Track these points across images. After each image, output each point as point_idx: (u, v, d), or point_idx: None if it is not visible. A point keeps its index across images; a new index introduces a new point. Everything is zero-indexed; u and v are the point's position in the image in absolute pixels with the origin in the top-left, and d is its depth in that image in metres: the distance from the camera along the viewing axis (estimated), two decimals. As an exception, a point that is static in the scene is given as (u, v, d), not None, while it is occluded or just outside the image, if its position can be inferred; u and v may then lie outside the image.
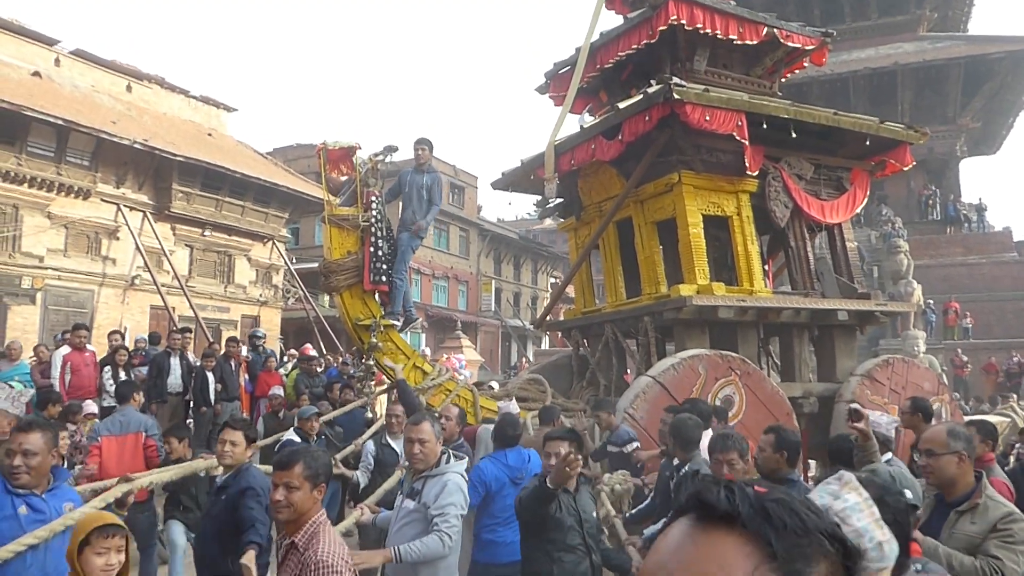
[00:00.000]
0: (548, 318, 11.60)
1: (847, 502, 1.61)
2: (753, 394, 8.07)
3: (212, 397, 9.78)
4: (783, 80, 10.74)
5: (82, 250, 21.51)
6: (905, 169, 10.11)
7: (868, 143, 9.55)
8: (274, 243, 27.28)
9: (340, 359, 15.93)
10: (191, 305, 22.02)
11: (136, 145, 21.23)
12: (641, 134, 8.43)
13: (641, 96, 8.34)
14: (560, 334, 11.38)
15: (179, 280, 22.35)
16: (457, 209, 36.66)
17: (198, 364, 9.99)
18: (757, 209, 9.30)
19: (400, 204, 8.33)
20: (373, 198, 7.83)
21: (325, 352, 23.76)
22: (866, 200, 9.96)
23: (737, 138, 8.33)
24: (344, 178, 8.38)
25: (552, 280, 43.86)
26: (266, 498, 3.97)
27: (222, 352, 10.59)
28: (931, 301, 23.74)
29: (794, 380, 9.40)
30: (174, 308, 22.35)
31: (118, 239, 22.15)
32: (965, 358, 21.52)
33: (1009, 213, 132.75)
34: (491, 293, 37.19)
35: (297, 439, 6.98)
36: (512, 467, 5.45)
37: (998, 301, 24.69)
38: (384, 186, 8.19)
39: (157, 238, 22.52)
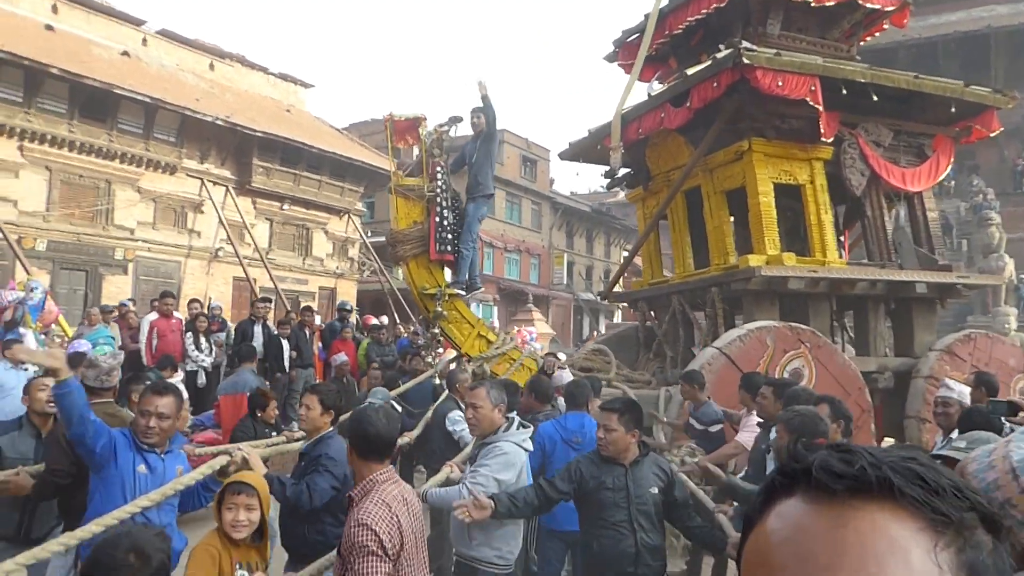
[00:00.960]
0: (617, 289, 11.55)
1: None
2: (824, 367, 7.89)
3: (287, 363, 10.12)
4: (863, 43, 10.33)
5: (169, 223, 22.45)
6: (992, 135, 9.60)
7: (952, 108, 9.12)
8: (350, 217, 27.87)
9: (411, 328, 16.21)
10: (271, 277, 22.73)
11: (218, 122, 21.97)
12: (710, 101, 8.25)
13: (710, 61, 8.17)
14: (632, 308, 11.29)
15: (259, 252, 23.09)
16: (529, 182, 36.60)
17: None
18: (831, 177, 9.02)
19: (466, 175, 8.38)
20: (438, 168, 7.91)
21: (398, 322, 24.27)
22: (950, 168, 9.53)
23: (811, 103, 8.07)
24: (413, 150, 8.51)
25: (624, 253, 43.44)
26: (341, 469, 4.06)
27: (297, 320, 10.93)
28: (1025, 276, 22.63)
29: (868, 354, 9.14)
30: (255, 279, 23.14)
31: (202, 212, 23.01)
32: (1060, 336, 20.42)
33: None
34: (563, 266, 37.10)
35: None
36: (568, 429, 5.51)
37: (1099, 277, 23.30)
38: (450, 158, 8.28)
39: (239, 212, 23.30)
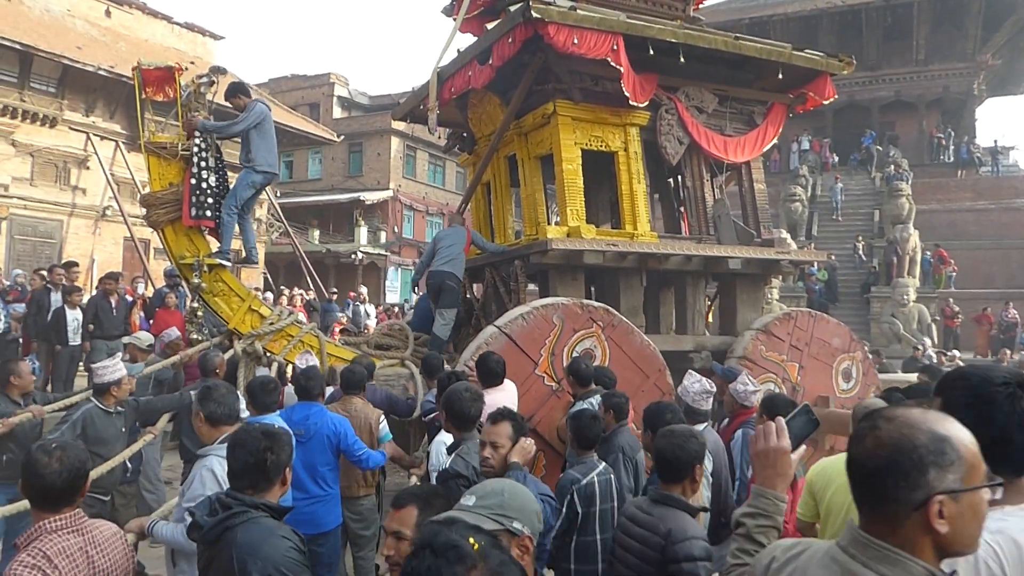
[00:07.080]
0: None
1: None
2: (618, 348, 7.38)
3: (70, 336, 9.18)
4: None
5: (50, 179, 21.25)
6: (826, 103, 9.08)
7: (780, 74, 8.57)
8: (256, 176, 26.76)
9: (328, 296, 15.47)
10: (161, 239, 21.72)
11: (101, 72, 20.73)
12: (509, 58, 7.59)
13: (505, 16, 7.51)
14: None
15: (150, 212, 22.03)
16: (456, 144, 35.70)
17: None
18: (653, 145, 8.46)
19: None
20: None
21: (310, 288, 23.58)
22: (777, 137, 8.99)
23: (612, 64, 7.46)
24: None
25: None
26: None
27: (99, 288, 10.09)
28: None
29: (687, 332, 8.69)
30: (148, 240, 22.14)
31: (88, 168, 21.83)
32: (957, 308, 20.36)
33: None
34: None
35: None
36: (295, 421, 4.99)
37: (1005, 249, 23.34)
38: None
39: (128, 168, 22.15)
